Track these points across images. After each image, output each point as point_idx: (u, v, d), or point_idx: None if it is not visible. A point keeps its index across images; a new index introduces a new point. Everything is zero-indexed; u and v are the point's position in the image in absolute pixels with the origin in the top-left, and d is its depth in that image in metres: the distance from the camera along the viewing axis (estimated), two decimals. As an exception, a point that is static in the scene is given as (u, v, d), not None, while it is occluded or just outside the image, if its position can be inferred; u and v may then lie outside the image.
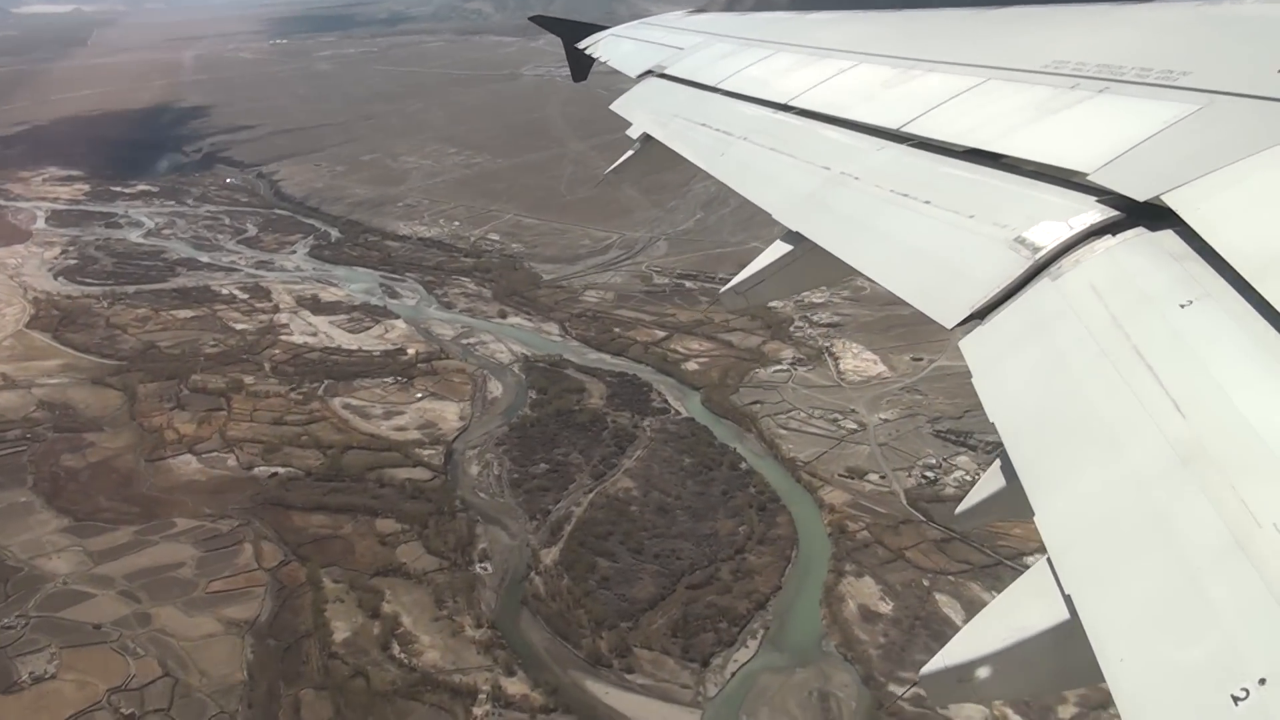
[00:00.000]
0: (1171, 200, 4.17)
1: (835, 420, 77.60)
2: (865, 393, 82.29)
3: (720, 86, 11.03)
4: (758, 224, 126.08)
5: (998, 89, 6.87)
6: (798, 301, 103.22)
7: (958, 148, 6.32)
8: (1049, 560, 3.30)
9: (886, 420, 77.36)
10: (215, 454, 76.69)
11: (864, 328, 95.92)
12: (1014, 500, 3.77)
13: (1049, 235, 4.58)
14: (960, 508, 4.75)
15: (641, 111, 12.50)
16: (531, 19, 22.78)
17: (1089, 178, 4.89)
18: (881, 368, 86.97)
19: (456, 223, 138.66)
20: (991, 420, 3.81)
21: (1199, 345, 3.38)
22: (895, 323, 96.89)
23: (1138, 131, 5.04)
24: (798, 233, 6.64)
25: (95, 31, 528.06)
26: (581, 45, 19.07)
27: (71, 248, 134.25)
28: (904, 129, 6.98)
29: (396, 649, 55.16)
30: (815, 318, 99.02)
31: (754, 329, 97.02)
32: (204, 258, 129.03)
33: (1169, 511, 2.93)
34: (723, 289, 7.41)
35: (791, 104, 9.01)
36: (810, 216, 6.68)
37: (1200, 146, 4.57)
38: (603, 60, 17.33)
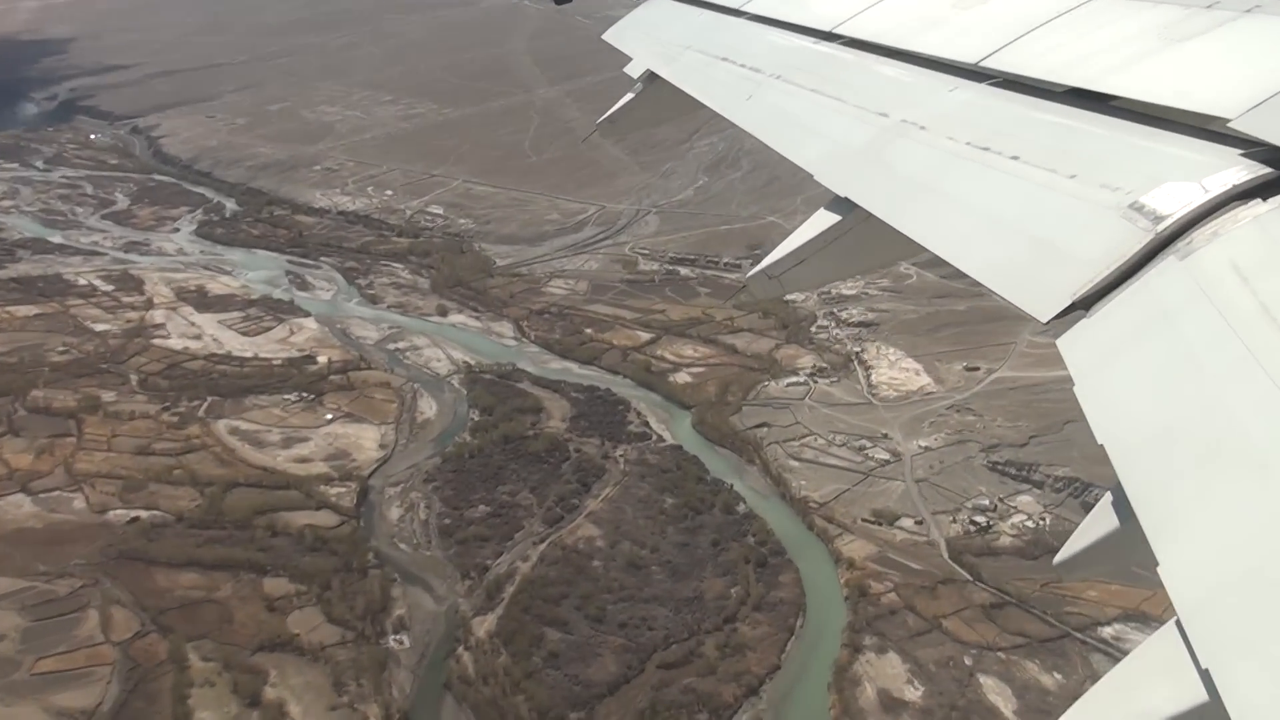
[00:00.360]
0: None
1: (862, 449, 78.78)
2: (902, 412, 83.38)
3: (745, 9, 11.04)
4: (776, 193, 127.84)
5: (1109, 8, 6.86)
6: (823, 293, 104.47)
7: (1056, 87, 6.31)
8: (1178, 624, 3.26)
9: (928, 449, 78.50)
10: (57, 493, 77.31)
11: (905, 328, 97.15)
12: (1130, 545, 3.82)
13: (1176, 200, 4.53)
14: (1059, 557, 4.68)
15: (644, 42, 12.52)
16: None
17: (1231, 124, 4.84)
18: (925, 379, 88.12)
19: (389, 192, 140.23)
20: (1100, 441, 3.83)
21: None
22: (946, 321, 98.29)
23: None
24: (846, 199, 6.71)
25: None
26: None
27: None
28: (984, 63, 7.02)
29: (280, 749, 56.27)
30: (844, 314, 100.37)
31: (765, 329, 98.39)
32: (56, 238, 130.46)
33: None
34: (750, 271, 7.57)
35: (838, 31, 9.05)
36: (863, 178, 6.74)
37: None
38: None
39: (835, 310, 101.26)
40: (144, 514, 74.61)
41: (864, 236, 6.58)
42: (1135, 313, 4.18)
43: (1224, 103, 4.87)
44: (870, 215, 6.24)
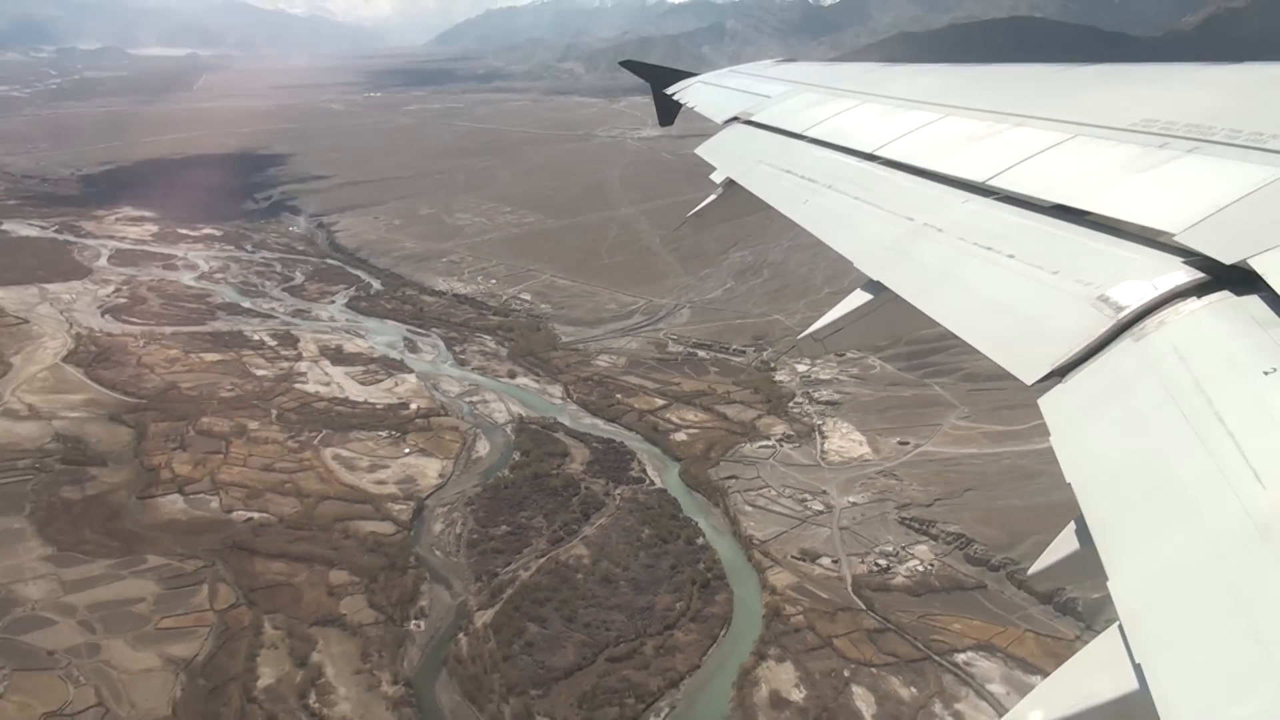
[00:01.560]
0: (1259, 264, 4.21)
1: (803, 500, 78.31)
2: (842, 474, 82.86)
3: (806, 134, 11.22)
4: (786, 296, 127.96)
5: (1085, 145, 7.02)
6: (804, 376, 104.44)
7: (1044, 203, 6.41)
8: (1119, 627, 3.31)
9: (855, 504, 77.85)
10: (202, 495, 79.89)
11: (861, 407, 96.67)
12: (1087, 563, 3.84)
13: (1133, 295, 4.62)
14: (1033, 569, 4.77)
15: (725, 157, 12.80)
16: (623, 64, 22.78)
17: (1175, 238, 4.92)
18: (865, 449, 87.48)
19: (493, 280, 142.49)
20: (1068, 480, 3.84)
21: None
22: (894, 404, 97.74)
23: (1226, 193, 5.09)
24: (879, 282, 6.80)
25: (203, 76, 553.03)
26: (669, 91, 19.52)
27: (125, 286, 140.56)
28: (989, 182, 7.15)
29: (313, 699, 57.16)
30: (817, 394, 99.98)
31: (754, 402, 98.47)
32: (246, 303, 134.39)
33: (1246, 583, 2.95)
34: (801, 334, 7.65)
35: (877, 154, 9.24)
36: (891, 266, 6.86)
37: None
38: (690, 105, 17.75)
39: (811, 390, 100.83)
40: (257, 515, 76.54)
41: (891, 312, 6.84)
42: (1100, 381, 4.31)
43: (1170, 221, 5.15)
44: (897, 296, 6.53)
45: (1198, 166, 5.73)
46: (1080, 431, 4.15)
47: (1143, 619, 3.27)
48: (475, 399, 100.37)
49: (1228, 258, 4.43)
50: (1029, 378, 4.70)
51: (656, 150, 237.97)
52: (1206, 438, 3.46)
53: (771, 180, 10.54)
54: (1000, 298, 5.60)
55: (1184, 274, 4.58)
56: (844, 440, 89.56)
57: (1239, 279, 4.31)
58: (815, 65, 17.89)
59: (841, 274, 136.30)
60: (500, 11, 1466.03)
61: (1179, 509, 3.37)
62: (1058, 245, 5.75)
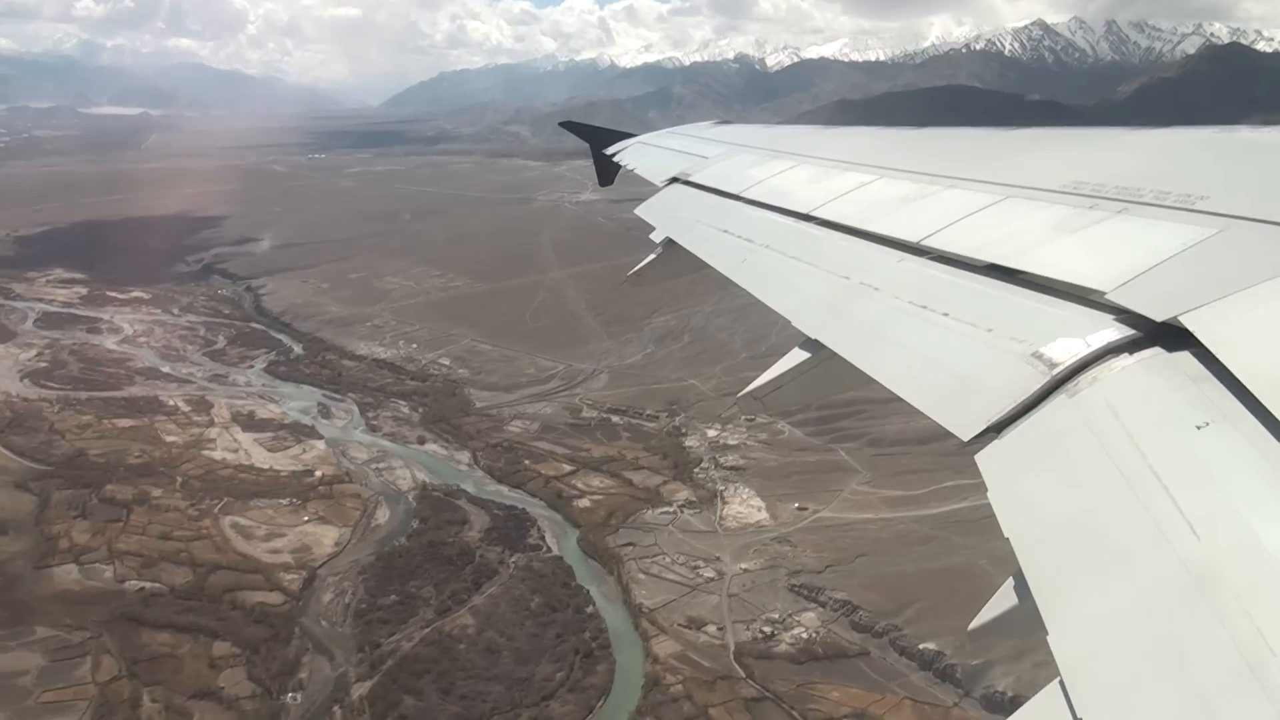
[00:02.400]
0: (1189, 322, 4.26)
1: (696, 568, 78.27)
2: (738, 540, 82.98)
3: (743, 195, 11.17)
4: (703, 361, 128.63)
5: (1017, 207, 7.08)
6: (713, 442, 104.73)
7: (977, 263, 6.46)
8: (1060, 682, 3.27)
9: (747, 570, 77.94)
10: (97, 565, 78.71)
11: (765, 473, 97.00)
12: (1027, 618, 3.80)
13: (1066, 352, 4.62)
14: (973, 624, 4.61)
15: (664, 217, 12.65)
16: (562, 124, 22.73)
17: (1107, 296, 4.98)
18: (764, 515, 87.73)
19: (415, 345, 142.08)
20: (1006, 535, 3.79)
21: (1215, 467, 3.44)
22: (798, 469, 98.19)
23: (1156, 253, 5.18)
24: (816, 340, 6.74)
25: (152, 136, 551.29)
26: (609, 151, 19.41)
27: (48, 350, 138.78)
28: (924, 242, 7.16)
29: (179, 775, 56.14)
30: (724, 459, 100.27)
31: (661, 468, 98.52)
32: (166, 368, 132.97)
33: (1183, 635, 2.98)
34: (740, 393, 7.47)
35: (813, 214, 9.19)
36: (829, 324, 6.82)
37: (1218, 270, 4.72)
38: (629, 167, 17.56)
39: (718, 456, 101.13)
40: (149, 585, 75.63)
41: (829, 370, 6.75)
42: (1035, 437, 4.29)
43: (1102, 279, 5.13)
44: (835, 354, 6.45)
45: (1128, 227, 5.83)
46: (1017, 487, 4.13)
47: (1083, 673, 3.24)
48: (382, 465, 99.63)
49: (1159, 315, 4.47)
50: (965, 434, 4.64)
51: (593, 214, 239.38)
52: (1142, 491, 3.49)
53: (710, 240, 10.58)
54: (936, 355, 5.59)
55: (1116, 331, 4.61)
56: (743, 506, 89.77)
57: (1171, 336, 4.35)
58: (752, 127, 17.96)
59: (760, 339, 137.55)
60: (453, 75, 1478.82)
61: (1116, 562, 3.39)
62: (992, 303, 5.77)
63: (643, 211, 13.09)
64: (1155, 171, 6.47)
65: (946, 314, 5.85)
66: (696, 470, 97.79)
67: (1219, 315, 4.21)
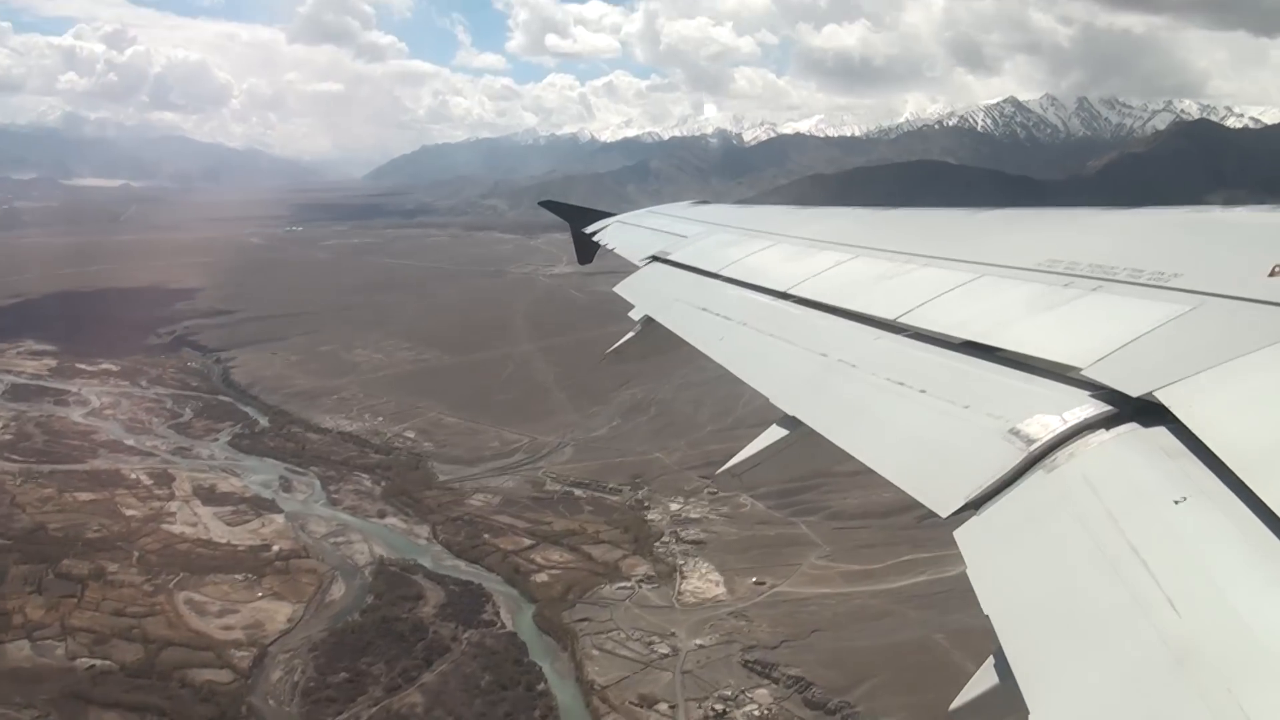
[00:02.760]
0: (1164, 397, 4.28)
1: (651, 644, 77.70)
2: (695, 615, 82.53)
3: (722, 273, 11.22)
4: (668, 435, 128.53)
5: (992, 284, 7.13)
6: (674, 515, 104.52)
7: (954, 340, 6.42)
8: None
9: (702, 646, 77.41)
10: (50, 641, 77.69)
11: (725, 547, 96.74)
12: (1009, 698, 3.75)
13: (1043, 428, 4.61)
14: (954, 705, 4.48)
15: (643, 294, 12.57)
16: (542, 204, 22.75)
17: (1083, 373, 4.97)
18: (721, 590, 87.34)
19: (380, 418, 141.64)
20: (985, 613, 3.75)
21: (1193, 542, 3.45)
22: (758, 543, 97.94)
23: (1131, 329, 5.19)
24: (794, 417, 6.63)
25: (132, 208, 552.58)
26: (588, 230, 19.42)
27: (13, 423, 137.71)
28: (900, 320, 7.15)
29: None
30: (684, 533, 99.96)
31: (621, 542, 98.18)
32: (130, 440, 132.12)
33: (1164, 713, 2.95)
34: (719, 470, 7.37)
35: (791, 292, 9.19)
36: (806, 401, 6.73)
37: (1192, 345, 4.75)
38: (609, 246, 17.56)
39: (679, 530, 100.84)
40: (99, 662, 74.65)
41: (807, 446, 6.59)
42: (1013, 513, 4.26)
43: (1078, 356, 5.12)
44: (813, 430, 6.34)
45: (1102, 304, 5.86)
46: (995, 563, 4.09)
47: None
48: (340, 540, 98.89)
49: (1135, 391, 4.48)
50: (943, 510, 4.61)
51: (565, 287, 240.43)
52: (1121, 567, 3.47)
53: (689, 318, 10.49)
54: (913, 432, 5.56)
55: (1093, 407, 4.59)
56: (701, 581, 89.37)
57: (1146, 411, 4.36)
58: (730, 207, 18.09)
59: (725, 412, 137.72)
60: (435, 148, 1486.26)
61: (1097, 638, 3.34)
62: (968, 380, 5.71)
63: (622, 289, 13.12)
64: (1128, 250, 6.56)
65: (924, 390, 5.84)
66: (657, 544, 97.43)
67: (1194, 391, 4.24)
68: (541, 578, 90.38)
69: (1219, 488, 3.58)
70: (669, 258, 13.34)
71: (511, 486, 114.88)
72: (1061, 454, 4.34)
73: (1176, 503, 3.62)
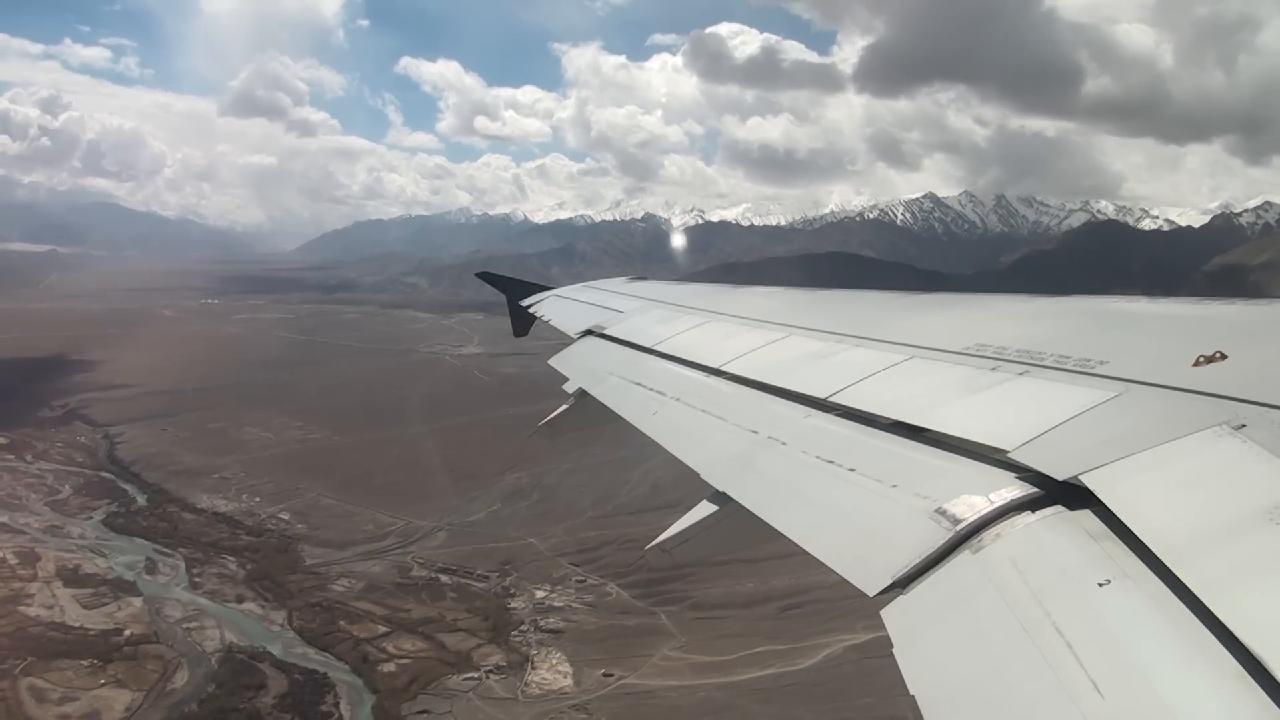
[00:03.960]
0: (1090, 481, 4.26)
1: (484, 739, 77.05)
2: (536, 707, 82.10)
3: (656, 348, 11.17)
4: (547, 520, 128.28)
5: (922, 366, 7.09)
6: (537, 604, 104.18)
7: (883, 420, 6.37)
8: None
9: (544, 740, 76.95)
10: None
11: (582, 636, 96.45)
12: None
13: (970, 508, 4.59)
14: None
15: (577, 368, 12.47)
16: (479, 275, 22.67)
17: (1010, 455, 4.96)
18: (568, 681, 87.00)
19: (258, 499, 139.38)
20: (912, 692, 3.66)
21: (1117, 624, 3.43)
22: (616, 633, 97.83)
23: (1057, 414, 5.16)
24: (724, 493, 6.57)
25: (53, 274, 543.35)
26: (524, 303, 19.36)
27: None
28: (831, 398, 7.09)
29: None
30: (544, 622, 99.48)
31: (479, 630, 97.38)
32: (3, 518, 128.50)
33: None
34: (649, 545, 7.21)
35: (723, 369, 9.12)
36: (737, 478, 6.65)
37: (1119, 431, 4.74)
38: (545, 318, 17.46)
39: (539, 618, 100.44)
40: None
41: (737, 523, 6.48)
42: (940, 593, 4.18)
43: (1005, 438, 5.10)
44: (743, 507, 6.22)
45: (1030, 388, 5.84)
46: (922, 643, 4.01)
47: None
48: (194, 625, 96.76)
49: (1060, 474, 4.47)
50: (871, 589, 4.54)
51: (470, 368, 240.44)
52: (1045, 649, 3.43)
53: (622, 392, 10.40)
54: (842, 510, 5.51)
55: (1019, 489, 4.59)
56: (550, 672, 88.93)
57: (1072, 495, 4.34)
58: (666, 284, 17.97)
59: (608, 498, 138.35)
60: (368, 224, 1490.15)
61: (1018, 718, 3.34)
62: (897, 460, 5.67)
63: (556, 362, 13.13)
64: (1056, 336, 6.62)
65: (853, 469, 5.83)
66: (514, 633, 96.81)
67: (1119, 475, 4.26)
68: (389, 667, 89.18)
69: (1142, 571, 3.63)
70: (604, 332, 13.45)
71: (377, 571, 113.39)
72: (988, 534, 4.38)
73: (1101, 585, 3.65)
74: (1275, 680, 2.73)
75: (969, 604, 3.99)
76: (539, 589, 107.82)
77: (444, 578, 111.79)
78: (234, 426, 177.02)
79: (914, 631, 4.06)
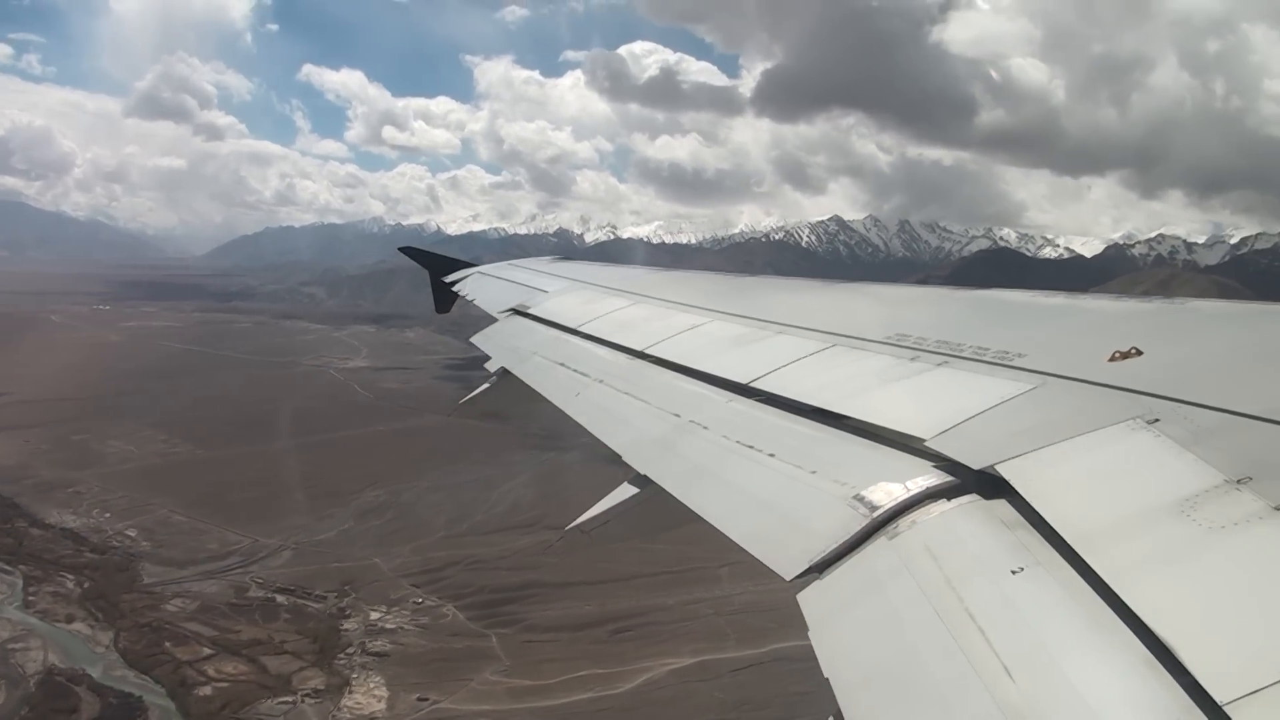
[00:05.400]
0: (1005, 470, 4.31)
1: (285, 765, 77.23)
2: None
3: (581, 329, 11.01)
4: (398, 540, 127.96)
5: (843, 354, 7.08)
6: (370, 625, 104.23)
7: (804, 406, 6.35)
8: None
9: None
10: None
11: (408, 660, 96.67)
12: None
13: (887, 495, 4.61)
14: None
15: (500, 347, 12.27)
16: (401, 249, 22.07)
17: (927, 444, 4.96)
18: (381, 706, 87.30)
19: (108, 514, 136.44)
20: (826, 676, 3.68)
21: (1029, 610, 3.46)
22: (442, 656, 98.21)
23: (974, 404, 5.19)
24: (645, 475, 6.58)
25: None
26: (448, 280, 18.94)
27: None
28: (753, 384, 7.05)
29: None
30: (372, 644, 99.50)
31: (306, 652, 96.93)
32: None
33: None
34: (569, 525, 7.22)
35: (648, 352, 9.08)
36: (658, 460, 6.65)
37: (1034, 422, 4.76)
38: (467, 295, 17.13)
39: (367, 640, 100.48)
40: None
41: (656, 505, 6.52)
42: (856, 578, 4.23)
43: (923, 427, 5.11)
44: (663, 489, 6.25)
45: (948, 378, 5.88)
46: (837, 628, 4.06)
47: None
48: (19, 646, 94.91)
49: (976, 463, 4.55)
50: (788, 573, 4.55)
51: (351, 382, 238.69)
52: (958, 634, 3.47)
53: (545, 372, 10.31)
54: (761, 495, 5.50)
55: (935, 477, 4.64)
56: (366, 696, 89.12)
57: (987, 484, 4.42)
58: (592, 265, 17.59)
59: (464, 518, 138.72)
60: (279, 230, 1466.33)
61: (935, 704, 3.33)
62: (817, 446, 5.70)
63: (479, 340, 13.01)
64: (975, 328, 6.73)
65: (773, 454, 5.84)
66: (340, 656, 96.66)
67: (1034, 466, 4.31)
68: (205, 691, 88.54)
69: (1055, 558, 3.65)
70: (529, 311, 13.38)
71: (214, 591, 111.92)
72: (904, 521, 4.42)
73: (1014, 572, 3.69)
74: (1182, 665, 2.81)
75: (884, 589, 4.04)
76: (375, 610, 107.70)
77: (280, 598, 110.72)
78: (97, 439, 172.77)
79: (829, 616, 4.13)
